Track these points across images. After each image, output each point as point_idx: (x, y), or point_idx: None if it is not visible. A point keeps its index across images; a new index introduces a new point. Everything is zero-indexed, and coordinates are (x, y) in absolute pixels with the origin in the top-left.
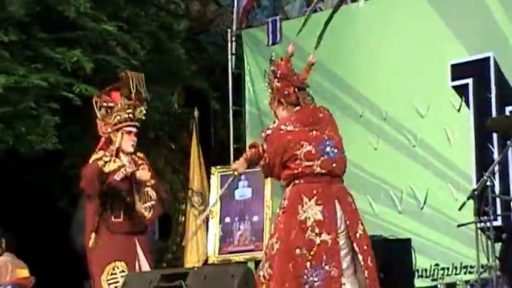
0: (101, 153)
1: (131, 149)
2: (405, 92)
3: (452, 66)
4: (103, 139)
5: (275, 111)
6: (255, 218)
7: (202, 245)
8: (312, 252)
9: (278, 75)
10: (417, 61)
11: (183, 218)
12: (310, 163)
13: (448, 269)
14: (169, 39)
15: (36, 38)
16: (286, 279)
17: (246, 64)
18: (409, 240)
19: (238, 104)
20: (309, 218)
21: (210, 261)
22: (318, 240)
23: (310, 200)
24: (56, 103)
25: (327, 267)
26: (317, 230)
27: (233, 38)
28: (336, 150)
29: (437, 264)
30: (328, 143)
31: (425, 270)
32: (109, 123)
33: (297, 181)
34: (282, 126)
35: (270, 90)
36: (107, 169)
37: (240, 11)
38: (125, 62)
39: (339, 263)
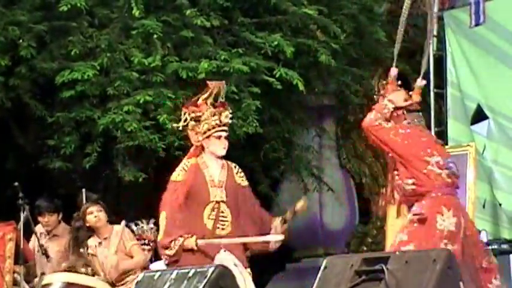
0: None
1: (223, 152)
2: None
3: None
4: (194, 147)
5: None
6: None
7: (397, 229)
8: None
9: (385, 95)
10: None
11: (383, 201)
12: (440, 171)
13: None
14: (369, 22)
15: (238, 22)
16: None
17: (447, 46)
18: None
19: (439, 87)
20: (446, 227)
21: None
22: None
23: (448, 211)
24: (256, 87)
25: None
26: (446, 241)
27: (434, 20)
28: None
29: None
30: (450, 159)
31: None
32: (199, 132)
33: (433, 194)
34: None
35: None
36: None
37: None
38: (325, 45)
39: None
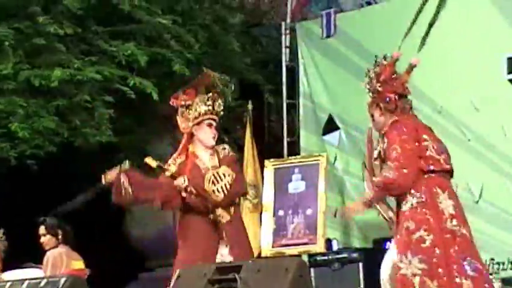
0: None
1: (212, 142)
2: (460, 86)
3: (509, 59)
4: (184, 136)
5: (372, 113)
6: (309, 211)
7: (256, 238)
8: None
9: (381, 79)
10: (473, 54)
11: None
12: (438, 157)
13: (503, 263)
14: (223, 32)
15: (91, 31)
16: (450, 262)
17: (300, 57)
18: None
19: (292, 97)
20: (445, 209)
21: (263, 254)
22: (459, 232)
23: (443, 193)
24: (110, 96)
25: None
26: (455, 222)
27: (287, 31)
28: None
29: (492, 259)
30: (444, 146)
31: None
32: (189, 118)
33: (426, 176)
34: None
35: (369, 93)
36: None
37: (293, 4)
38: (179, 55)
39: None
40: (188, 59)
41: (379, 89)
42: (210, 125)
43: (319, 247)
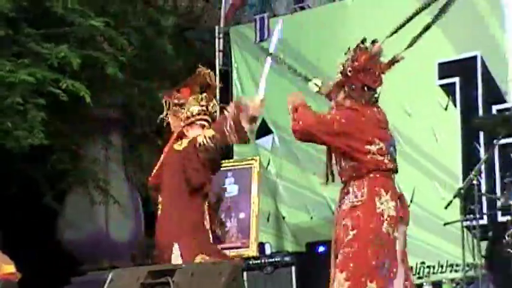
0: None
1: None
2: (392, 91)
3: (440, 64)
4: (174, 135)
5: (336, 93)
6: (242, 215)
7: None
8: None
9: (354, 65)
10: (404, 59)
11: None
12: (382, 158)
13: (433, 267)
14: (156, 35)
15: (23, 33)
16: (366, 264)
17: (233, 61)
18: None
19: (225, 101)
20: (385, 211)
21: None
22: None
23: (386, 194)
24: (42, 99)
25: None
26: (392, 224)
27: (221, 35)
28: (395, 153)
29: (423, 263)
30: (392, 143)
31: (411, 268)
32: (181, 118)
33: (371, 175)
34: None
35: (338, 72)
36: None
37: (227, 8)
38: (112, 57)
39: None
40: (121, 62)
41: (349, 73)
42: (202, 126)
43: (252, 251)
